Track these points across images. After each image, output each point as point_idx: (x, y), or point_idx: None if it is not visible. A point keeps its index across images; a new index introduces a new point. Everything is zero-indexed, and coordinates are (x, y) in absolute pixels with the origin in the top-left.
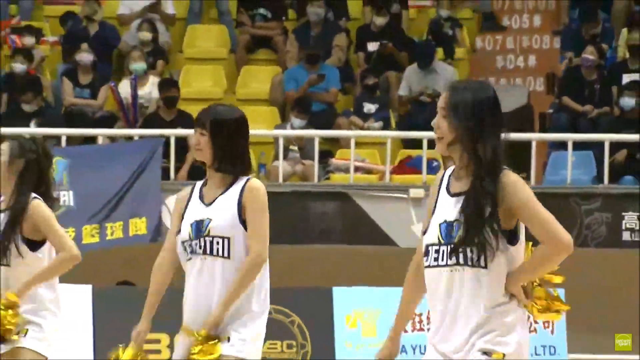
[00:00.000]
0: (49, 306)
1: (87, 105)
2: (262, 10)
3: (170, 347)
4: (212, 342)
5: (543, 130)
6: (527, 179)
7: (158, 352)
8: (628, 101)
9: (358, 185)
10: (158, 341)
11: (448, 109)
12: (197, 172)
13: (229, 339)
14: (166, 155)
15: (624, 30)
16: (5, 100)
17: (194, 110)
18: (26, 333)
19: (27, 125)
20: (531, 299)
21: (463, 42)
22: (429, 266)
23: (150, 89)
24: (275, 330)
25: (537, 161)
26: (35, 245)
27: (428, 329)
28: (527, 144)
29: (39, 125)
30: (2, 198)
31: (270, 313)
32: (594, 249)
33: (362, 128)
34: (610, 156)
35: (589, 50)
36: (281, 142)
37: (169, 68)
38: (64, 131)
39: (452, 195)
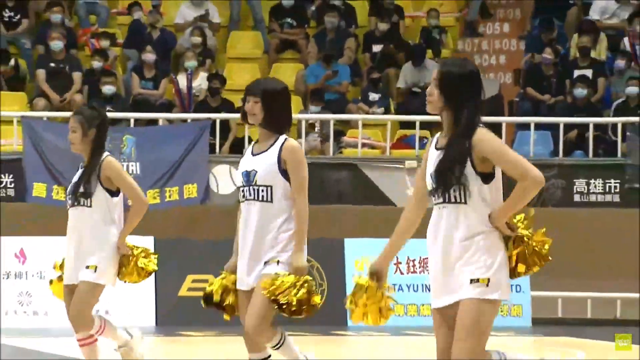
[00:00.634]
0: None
1: (151, 94)
2: (288, 20)
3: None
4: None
5: (511, 114)
6: None
7: (205, 289)
8: (579, 92)
9: (364, 158)
10: (206, 280)
11: (438, 79)
12: (237, 148)
13: (278, 262)
14: (212, 134)
15: (575, 36)
16: (87, 90)
17: (234, 99)
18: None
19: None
20: (515, 232)
21: (448, 44)
22: (432, 208)
23: (200, 82)
24: None
25: (506, 139)
26: (112, 193)
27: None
28: (498, 125)
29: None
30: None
31: None
32: (552, 208)
33: (367, 113)
34: (564, 135)
35: (547, 51)
36: (303, 124)
37: (215, 66)
38: (132, 115)
39: (438, 149)
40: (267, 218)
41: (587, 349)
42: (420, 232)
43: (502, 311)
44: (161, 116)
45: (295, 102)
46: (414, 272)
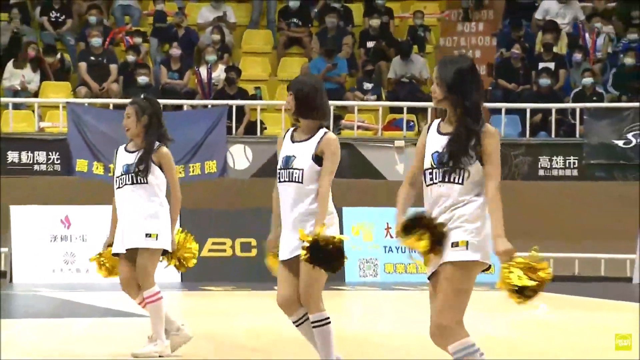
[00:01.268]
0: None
1: (176, 84)
2: (295, 20)
3: (233, 247)
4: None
5: (485, 101)
6: None
7: (224, 250)
8: (543, 81)
9: (360, 138)
10: (224, 243)
11: (438, 78)
12: (250, 130)
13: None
14: (229, 118)
15: (540, 34)
16: (122, 80)
17: (248, 88)
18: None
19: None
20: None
21: (431, 41)
22: (427, 185)
23: (219, 73)
24: None
25: None
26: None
27: None
28: None
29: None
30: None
31: None
32: (520, 181)
33: (362, 100)
34: (530, 118)
35: (516, 47)
36: None
37: (231, 59)
38: (161, 102)
39: (442, 134)
40: (299, 197)
41: (549, 301)
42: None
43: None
44: (185, 102)
45: None
46: None
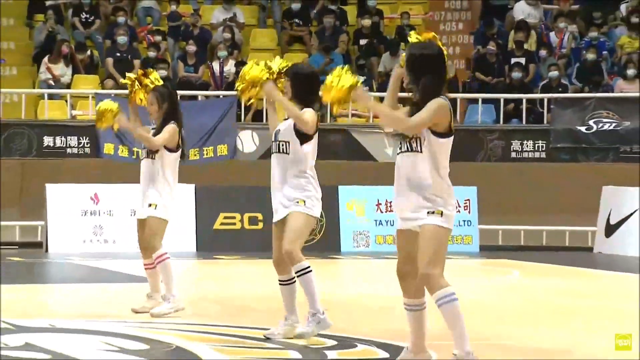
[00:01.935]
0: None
1: (192, 77)
2: (296, 20)
3: (242, 221)
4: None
5: (464, 92)
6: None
7: (234, 224)
8: (515, 75)
9: (353, 124)
10: (234, 217)
11: (406, 61)
12: (257, 117)
13: (304, 202)
14: (239, 107)
15: (512, 32)
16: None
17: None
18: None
19: None
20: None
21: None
22: (397, 153)
23: (230, 67)
24: None
25: (459, 111)
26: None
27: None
28: (454, 101)
29: None
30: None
31: None
32: (494, 162)
33: None
34: (503, 107)
35: (491, 44)
36: None
37: (240, 55)
38: (178, 93)
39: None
40: (285, 166)
41: (520, 268)
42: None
43: (456, 241)
44: (200, 93)
45: None
46: (391, 211)
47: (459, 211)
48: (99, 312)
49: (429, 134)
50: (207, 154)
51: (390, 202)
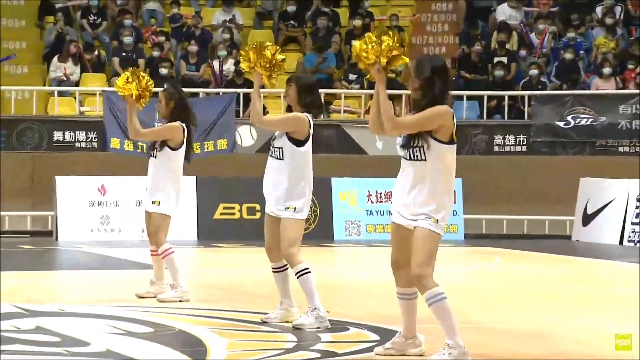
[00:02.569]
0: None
1: (194, 75)
2: (292, 21)
3: (241, 211)
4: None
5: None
6: None
7: (233, 214)
8: (498, 73)
9: (346, 120)
10: (233, 207)
11: (415, 71)
12: None
13: (294, 209)
14: (237, 103)
15: (495, 33)
16: (148, 72)
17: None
18: (159, 204)
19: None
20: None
21: (404, 39)
22: (402, 158)
23: (229, 66)
24: None
25: None
26: (171, 148)
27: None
28: None
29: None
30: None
31: None
32: (478, 155)
33: (348, 88)
34: (487, 104)
35: (475, 44)
36: None
37: (239, 54)
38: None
39: None
40: (277, 169)
41: (502, 255)
42: (386, 173)
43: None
44: (201, 90)
45: None
46: (381, 201)
47: None
48: (106, 297)
49: (433, 142)
50: (207, 148)
51: (381, 193)
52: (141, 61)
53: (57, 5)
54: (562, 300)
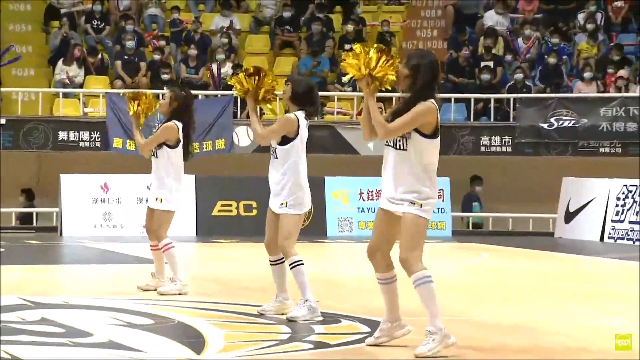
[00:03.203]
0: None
1: (193, 78)
2: (287, 27)
3: (238, 208)
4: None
5: (438, 92)
6: None
7: (230, 211)
8: (484, 77)
9: (339, 121)
10: (231, 205)
11: (407, 63)
12: None
13: (286, 204)
14: (235, 105)
15: (482, 38)
16: (150, 75)
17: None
18: (161, 201)
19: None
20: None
21: (395, 44)
22: (385, 145)
23: (227, 69)
24: None
25: None
26: (170, 146)
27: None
28: None
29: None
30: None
31: None
32: (465, 155)
33: (341, 91)
34: (474, 106)
35: (463, 49)
36: None
37: (237, 58)
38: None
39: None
40: (274, 167)
41: (488, 251)
42: (377, 172)
43: (431, 227)
44: (200, 92)
45: None
46: (372, 199)
47: None
48: (109, 290)
49: (414, 134)
50: (206, 148)
51: (372, 191)
52: (143, 64)
53: (62, 11)
54: (545, 295)
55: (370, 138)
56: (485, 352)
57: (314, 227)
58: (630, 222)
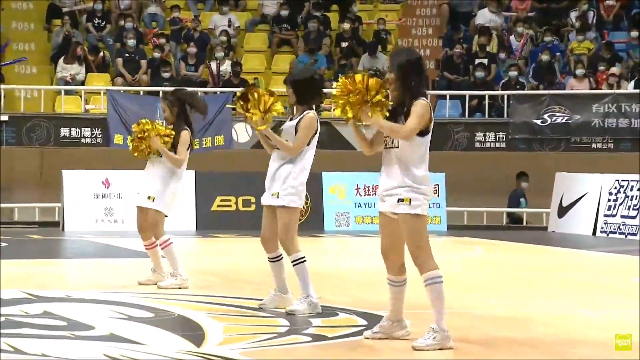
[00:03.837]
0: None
1: (193, 75)
2: (285, 25)
3: (237, 203)
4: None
5: (433, 89)
6: None
7: (229, 206)
8: (479, 74)
9: (336, 118)
10: (230, 200)
11: (391, 66)
12: None
13: (277, 195)
14: (234, 102)
15: (476, 37)
16: (150, 73)
17: (249, 78)
18: (154, 199)
19: (165, 86)
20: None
21: (391, 42)
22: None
23: (226, 67)
24: None
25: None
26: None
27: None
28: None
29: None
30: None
31: None
32: (460, 151)
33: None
34: (468, 102)
35: (457, 47)
36: None
37: (235, 56)
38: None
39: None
40: (279, 161)
41: (483, 245)
42: (374, 168)
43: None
44: (200, 90)
45: None
46: (368, 194)
47: None
48: (110, 284)
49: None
50: (205, 144)
51: (368, 187)
52: (143, 62)
53: (64, 10)
54: (539, 287)
55: (373, 151)
56: (479, 345)
57: (312, 221)
58: (622, 217)
